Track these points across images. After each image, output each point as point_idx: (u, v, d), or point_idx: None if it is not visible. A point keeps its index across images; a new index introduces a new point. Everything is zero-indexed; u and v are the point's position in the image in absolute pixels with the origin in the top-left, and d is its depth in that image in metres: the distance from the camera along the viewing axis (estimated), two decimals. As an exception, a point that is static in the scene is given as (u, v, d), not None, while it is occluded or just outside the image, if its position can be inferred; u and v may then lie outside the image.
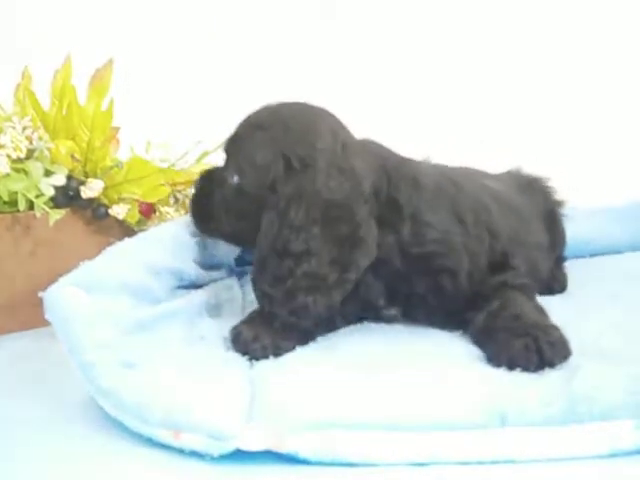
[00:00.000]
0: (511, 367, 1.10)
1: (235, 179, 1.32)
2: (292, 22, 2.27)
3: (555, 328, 1.18)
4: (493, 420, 0.94)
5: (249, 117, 1.37)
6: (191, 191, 1.53)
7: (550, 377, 1.06)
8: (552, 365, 1.09)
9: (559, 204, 1.74)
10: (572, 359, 1.12)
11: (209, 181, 1.40)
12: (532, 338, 1.12)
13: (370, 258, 1.25)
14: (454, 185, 1.38)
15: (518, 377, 1.08)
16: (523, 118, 2.30)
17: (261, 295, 1.25)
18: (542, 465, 0.91)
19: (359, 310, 1.36)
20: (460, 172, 1.50)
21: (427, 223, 1.31)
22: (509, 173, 1.71)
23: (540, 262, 1.53)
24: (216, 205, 1.37)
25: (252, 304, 1.43)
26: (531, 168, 1.75)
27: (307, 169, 1.25)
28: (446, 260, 1.32)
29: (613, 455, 0.92)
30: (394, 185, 1.30)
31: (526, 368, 1.09)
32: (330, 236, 1.22)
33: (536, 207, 1.64)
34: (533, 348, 1.10)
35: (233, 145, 1.36)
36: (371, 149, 1.34)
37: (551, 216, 1.71)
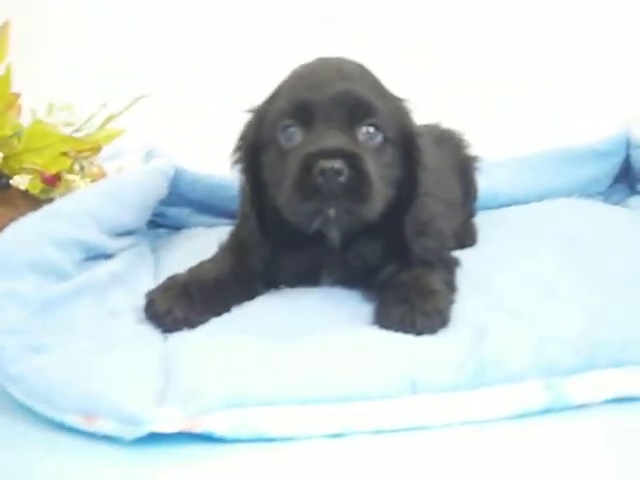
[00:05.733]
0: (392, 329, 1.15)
1: (379, 138, 1.22)
2: (292, 23, 2.25)
3: (439, 295, 1.21)
4: (404, 388, 0.96)
5: (327, 71, 1.24)
6: (119, 164, 1.48)
7: (459, 341, 1.09)
8: (424, 334, 1.13)
9: (472, 158, 1.76)
10: (482, 318, 1.16)
11: (350, 158, 1.15)
12: (410, 307, 1.15)
13: None
14: None
15: (427, 341, 1.11)
16: (430, 72, 2.29)
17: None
18: (454, 429, 0.93)
19: (296, 279, 1.36)
20: None
21: None
22: (427, 126, 1.67)
23: (452, 218, 1.55)
24: (373, 178, 1.18)
25: (165, 270, 1.42)
26: (441, 121, 1.77)
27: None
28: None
29: (523, 416, 0.95)
30: None
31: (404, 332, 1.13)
32: None
33: (449, 160, 1.66)
34: (408, 319, 1.14)
35: (342, 105, 1.20)
36: None
37: (464, 169, 1.73)
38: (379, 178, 1.19)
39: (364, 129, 1.20)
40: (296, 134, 1.21)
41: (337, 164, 1.13)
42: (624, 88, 2.30)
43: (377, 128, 1.21)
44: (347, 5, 2.26)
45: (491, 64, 2.31)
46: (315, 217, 1.18)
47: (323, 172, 1.13)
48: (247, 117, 1.35)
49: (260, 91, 2.05)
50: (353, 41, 2.18)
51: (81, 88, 1.81)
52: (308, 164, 1.14)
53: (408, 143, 1.27)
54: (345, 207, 1.16)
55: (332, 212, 1.16)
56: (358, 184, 1.15)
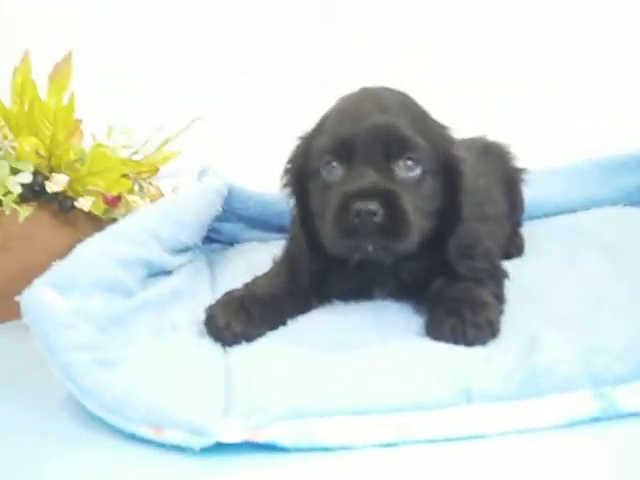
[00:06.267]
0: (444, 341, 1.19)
1: (417, 171, 1.25)
2: (292, 23, 2.28)
3: (489, 307, 1.24)
4: (458, 398, 0.99)
5: (368, 104, 1.27)
6: (174, 184, 1.53)
7: (510, 351, 1.11)
8: (475, 345, 1.17)
9: (519, 170, 1.77)
10: (531, 328, 1.18)
11: (385, 196, 1.20)
12: (460, 319, 1.20)
13: None
14: None
15: (479, 352, 1.14)
16: (430, 72, 2.33)
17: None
18: (508, 438, 0.95)
19: (348, 294, 1.41)
20: None
21: None
22: (471, 140, 1.69)
23: (498, 232, 1.57)
24: (409, 214, 1.21)
25: (222, 285, 1.47)
26: (487, 133, 1.79)
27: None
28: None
29: (572, 425, 0.97)
30: None
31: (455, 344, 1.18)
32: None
33: (495, 173, 1.67)
34: (460, 330, 1.19)
35: (380, 140, 1.23)
36: None
37: (510, 182, 1.74)
38: (417, 211, 1.23)
39: (402, 163, 1.24)
40: (337, 169, 1.26)
41: (372, 205, 1.18)
42: (624, 88, 2.31)
43: (415, 161, 1.24)
44: (347, 5, 2.27)
45: (491, 64, 2.33)
46: (354, 251, 1.24)
47: (358, 213, 1.18)
48: (295, 143, 1.39)
49: (260, 91, 2.09)
50: (353, 41, 2.23)
51: (137, 113, 1.85)
52: (345, 203, 1.20)
53: (450, 170, 1.30)
54: (381, 244, 1.22)
55: (370, 248, 1.22)
56: (393, 222, 1.20)
